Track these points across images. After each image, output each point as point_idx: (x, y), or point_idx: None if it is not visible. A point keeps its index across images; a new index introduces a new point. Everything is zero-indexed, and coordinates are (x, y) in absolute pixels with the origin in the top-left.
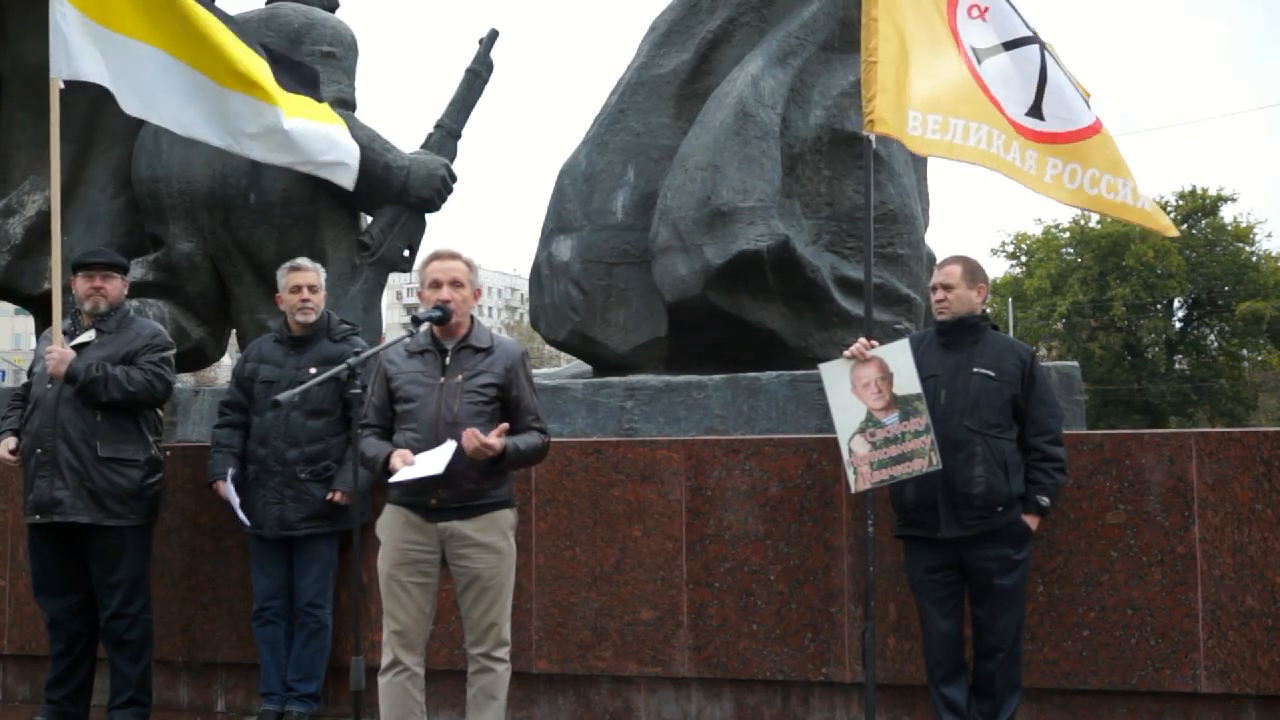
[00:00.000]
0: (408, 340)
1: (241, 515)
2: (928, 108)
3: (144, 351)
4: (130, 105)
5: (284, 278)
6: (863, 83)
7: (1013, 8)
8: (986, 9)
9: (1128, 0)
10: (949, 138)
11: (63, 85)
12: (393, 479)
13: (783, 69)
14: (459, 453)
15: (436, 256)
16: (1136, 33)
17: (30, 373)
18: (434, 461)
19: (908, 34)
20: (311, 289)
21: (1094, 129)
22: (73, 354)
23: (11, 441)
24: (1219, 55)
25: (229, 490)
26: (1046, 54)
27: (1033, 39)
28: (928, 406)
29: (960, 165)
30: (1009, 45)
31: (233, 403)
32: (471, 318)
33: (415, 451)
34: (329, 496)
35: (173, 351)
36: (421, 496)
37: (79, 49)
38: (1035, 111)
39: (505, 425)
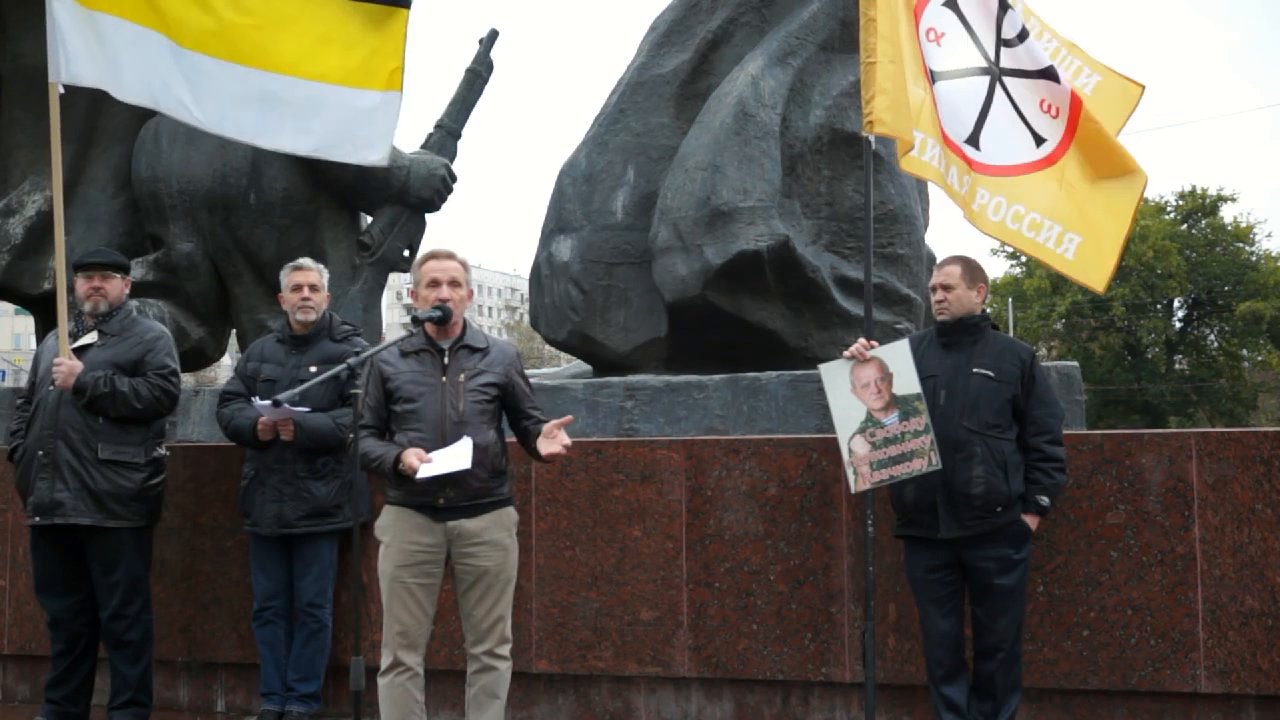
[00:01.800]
0: (404, 340)
1: (286, 406)
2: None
3: (149, 358)
4: (131, 93)
5: (286, 277)
6: (862, 83)
7: (973, 38)
8: (942, 35)
9: (1130, 0)
10: (913, 150)
11: (62, 90)
12: (419, 476)
13: (783, 69)
14: (475, 449)
15: (434, 256)
16: (1138, 33)
17: (34, 372)
18: (456, 458)
19: (904, 35)
20: (313, 288)
21: (1036, 165)
22: (80, 367)
23: None
24: (1219, 55)
25: (275, 411)
26: (998, 88)
27: (987, 70)
28: (927, 407)
29: None
30: (959, 74)
31: (233, 391)
32: (464, 319)
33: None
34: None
35: (178, 362)
36: (429, 496)
37: (77, 51)
38: (972, 141)
39: (569, 417)
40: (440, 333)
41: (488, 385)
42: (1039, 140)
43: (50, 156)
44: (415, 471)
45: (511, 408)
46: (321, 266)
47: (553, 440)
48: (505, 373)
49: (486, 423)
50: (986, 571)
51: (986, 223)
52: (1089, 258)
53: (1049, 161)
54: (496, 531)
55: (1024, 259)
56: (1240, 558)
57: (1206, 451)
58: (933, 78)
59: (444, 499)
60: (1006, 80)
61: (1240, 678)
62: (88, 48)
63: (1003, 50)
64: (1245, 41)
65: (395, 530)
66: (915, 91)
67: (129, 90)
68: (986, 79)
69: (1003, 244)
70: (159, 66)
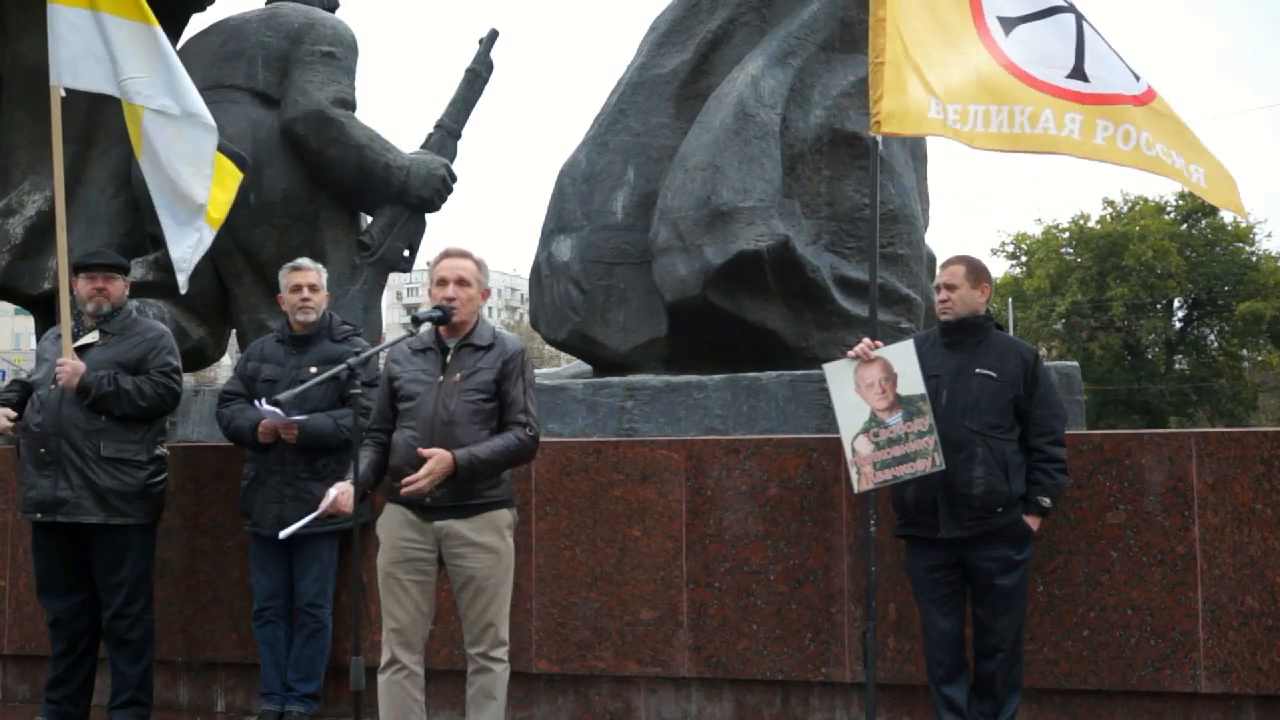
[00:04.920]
0: (412, 339)
1: (278, 412)
2: (947, 98)
3: (152, 356)
4: (115, 89)
5: (285, 277)
6: (870, 83)
7: None
8: None
9: (1127, 1)
10: (969, 127)
11: (64, 93)
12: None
13: (783, 69)
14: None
15: (446, 254)
16: (1136, 33)
17: (36, 368)
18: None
19: (918, 30)
20: (312, 288)
21: (1144, 99)
22: (84, 367)
23: (10, 411)
24: (1218, 56)
25: (273, 411)
26: (1086, 24)
27: (1068, 9)
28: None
29: (959, 165)
30: (1042, 14)
31: (234, 391)
32: (479, 317)
33: (412, 451)
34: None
35: (179, 360)
36: (418, 495)
37: (77, 54)
38: (1078, 74)
39: (435, 460)
40: (449, 331)
41: (485, 384)
42: (1136, 76)
43: (51, 157)
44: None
45: (500, 408)
46: (320, 266)
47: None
48: (502, 369)
49: (481, 423)
50: (988, 572)
51: (1117, 153)
52: (1218, 186)
53: (1150, 96)
54: (487, 534)
55: (1024, 259)
56: (1240, 558)
57: (1206, 451)
58: (1007, 27)
59: (431, 498)
60: (1087, 17)
61: (1240, 678)
62: (88, 49)
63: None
64: (1244, 42)
65: (389, 526)
66: (965, 64)
67: (110, 86)
68: (1071, 15)
69: (1144, 172)
70: (153, 62)
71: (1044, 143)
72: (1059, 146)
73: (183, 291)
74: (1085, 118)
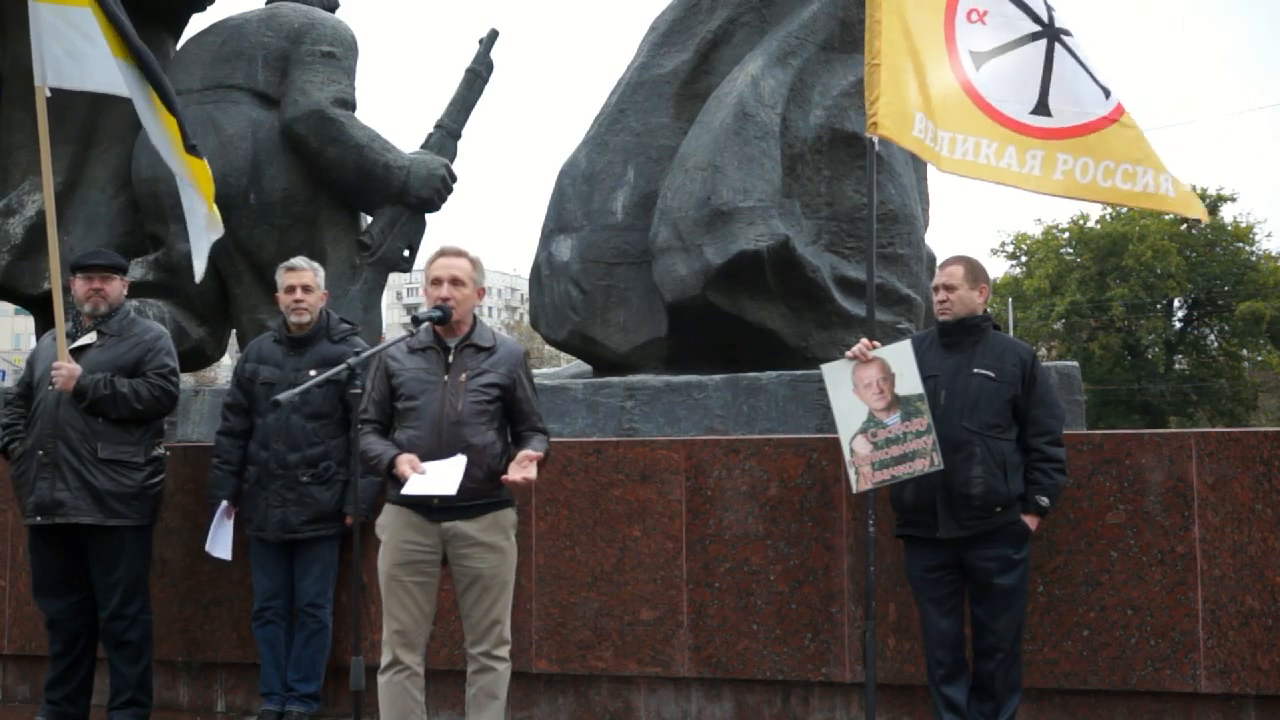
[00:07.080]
0: (410, 338)
1: (211, 544)
2: (927, 113)
3: (149, 358)
4: (98, 83)
5: (280, 277)
6: (866, 85)
7: (1020, 7)
8: (985, 12)
9: (1130, 1)
10: (937, 148)
11: (49, 94)
12: (403, 490)
13: (783, 69)
14: (468, 466)
15: (441, 254)
16: (1138, 33)
17: (30, 372)
18: (446, 478)
19: (912, 35)
20: (305, 289)
21: (1109, 119)
22: (79, 370)
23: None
24: (1219, 55)
25: (218, 514)
26: (1058, 46)
27: (1042, 33)
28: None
29: None
30: (1011, 46)
31: (235, 405)
32: (474, 316)
33: (417, 450)
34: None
35: (177, 361)
36: (424, 497)
37: (60, 54)
38: (1041, 109)
39: (536, 454)
40: (447, 331)
41: (489, 386)
42: (1106, 92)
43: (41, 158)
44: (405, 480)
45: (511, 413)
46: (316, 265)
47: (518, 468)
48: (509, 374)
49: (486, 423)
50: (986, 571)
51: (1075, 187)
52: (1185, 192)
53: (1120, 112)
54: (493, 534)
55: (1023, 259)
56: (1240, 558)
57: (1206, 451)
58: (976, 62)
59: (439, 500)
60: (1065, 38)
61: (1240, 678)
62: (69, 48)
63: (1055, 12)
64: (1245, 41)
65: (393, 529)
66: (939, 86)
67: (98, 80)
68: (1043, 41)
69: (1107, 206)
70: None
71: (1006, 176)
72: (1023, 183)
73: (197, 279)
74: (1046, 153)
